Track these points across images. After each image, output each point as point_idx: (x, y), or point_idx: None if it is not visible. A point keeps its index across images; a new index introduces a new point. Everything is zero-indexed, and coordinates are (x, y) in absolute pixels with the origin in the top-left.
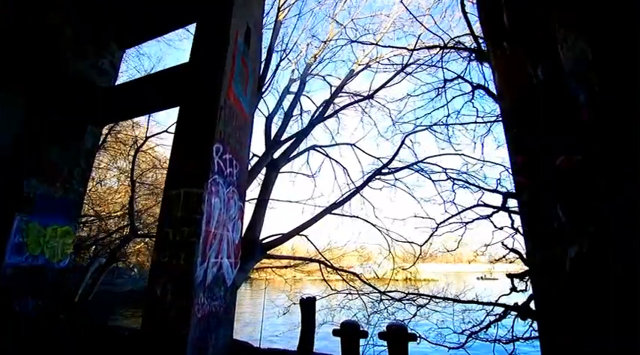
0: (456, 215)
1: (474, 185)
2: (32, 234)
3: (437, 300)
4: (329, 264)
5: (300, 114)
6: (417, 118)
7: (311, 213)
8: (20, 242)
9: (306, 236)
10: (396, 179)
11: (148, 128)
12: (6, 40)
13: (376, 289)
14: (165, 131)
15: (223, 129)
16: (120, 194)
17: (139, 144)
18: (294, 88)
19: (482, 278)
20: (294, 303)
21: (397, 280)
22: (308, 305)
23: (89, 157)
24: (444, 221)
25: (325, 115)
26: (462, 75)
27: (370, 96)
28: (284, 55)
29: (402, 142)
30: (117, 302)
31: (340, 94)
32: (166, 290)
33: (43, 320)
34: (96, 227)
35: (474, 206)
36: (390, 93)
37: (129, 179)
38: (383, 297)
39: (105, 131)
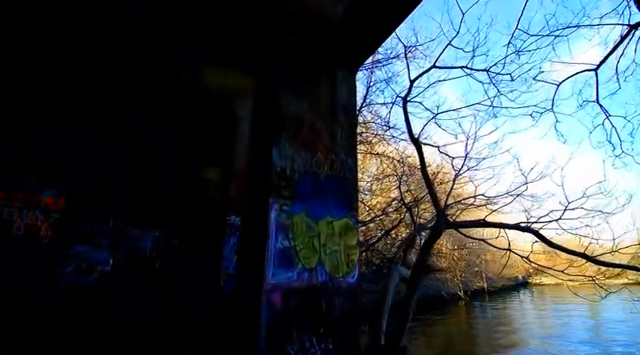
0: None
1: None
2: (300, 232)
3: None
4: None
5: None
6: None
7: None
8: (286, 247)
9: None
10: None
11: (409, 70)
12: None
13: None
14: (434, 66)
15: None
16: (389, 184)
17: (403, 95)
18: None
19: None
20: None
21: None
22: None
23: (350, 116)
24: None
25: None
26: None
27: None
28: None
29: None
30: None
31: None
32: None
33: None
34: (375, 226)
35: None
36: None
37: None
38: None
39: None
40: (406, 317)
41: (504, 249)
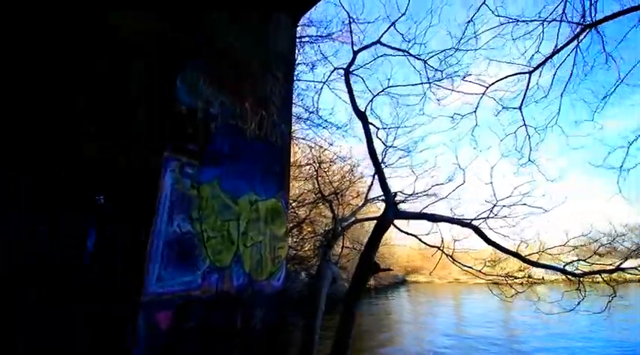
0: None
1: None
2: (211, 211)
3: None
4: None
5: None
6: None
7: None
8: (186, 233)
9: None
10: None
11: (352, 41)
12: None
13: None
14: (379, 42)
15: None
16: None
17: (346, 66)
18: None
19: None
20: None
21: None
22: None
23: (287, 71)
24: None
25: None
26: None
27: None
28: None
29: None
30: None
31: None
32: None
33: None
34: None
35: None
36: None
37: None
38: None
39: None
40: (349, 330)
41: (435, 247)
